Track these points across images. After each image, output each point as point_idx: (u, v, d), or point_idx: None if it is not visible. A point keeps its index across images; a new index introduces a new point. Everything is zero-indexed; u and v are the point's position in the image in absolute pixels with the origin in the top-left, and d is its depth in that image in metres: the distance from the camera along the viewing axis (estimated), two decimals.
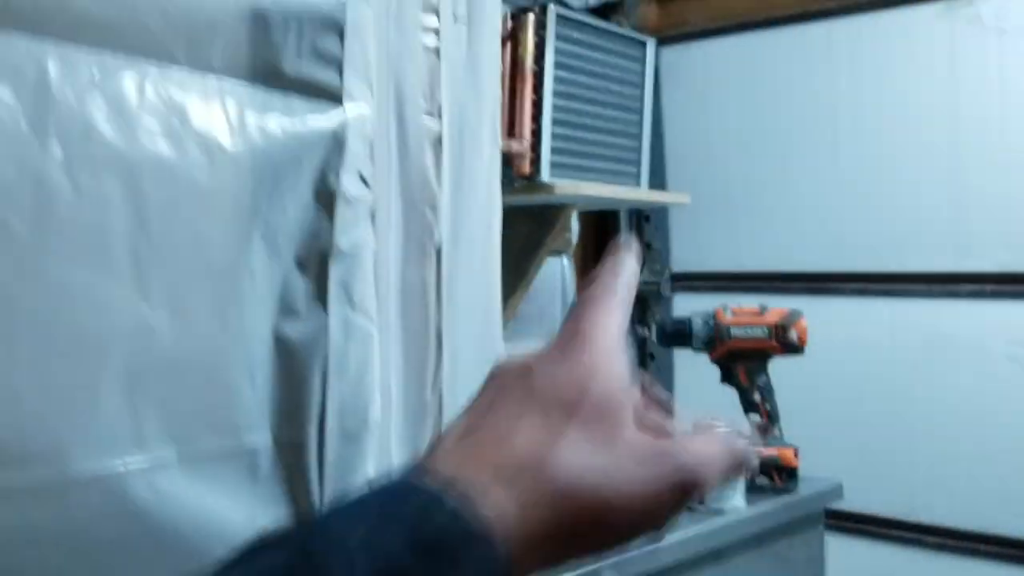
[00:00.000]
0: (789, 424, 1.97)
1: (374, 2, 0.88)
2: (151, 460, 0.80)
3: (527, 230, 2.35)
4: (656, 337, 1.78)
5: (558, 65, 2.05)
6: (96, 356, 0.76)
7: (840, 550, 2.04)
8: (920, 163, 2.37)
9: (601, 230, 2.90)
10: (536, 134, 2.02)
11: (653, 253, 2.80)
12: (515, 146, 1.99)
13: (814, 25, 2.47)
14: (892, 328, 2.43)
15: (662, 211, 2.77)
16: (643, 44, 2.32)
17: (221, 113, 0.80)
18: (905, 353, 2.41)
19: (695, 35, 2.68)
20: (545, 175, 2.03)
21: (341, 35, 0.85)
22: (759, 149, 2.60)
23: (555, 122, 2.06)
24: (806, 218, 2.54)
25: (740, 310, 1.66)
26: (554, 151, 2.06)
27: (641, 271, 2.73)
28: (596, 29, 2.17)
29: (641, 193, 2.32)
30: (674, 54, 2.71)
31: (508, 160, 2.01)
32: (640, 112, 2.32)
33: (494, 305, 1.15)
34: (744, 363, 1.62)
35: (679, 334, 1.72)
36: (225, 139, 0.81)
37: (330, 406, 0.94)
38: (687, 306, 2.76)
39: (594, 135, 2.19)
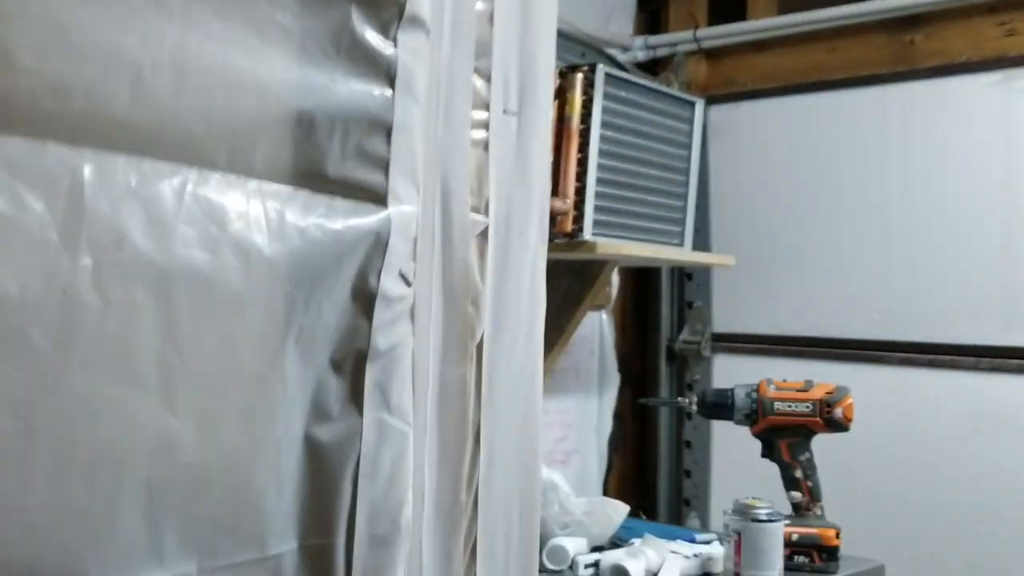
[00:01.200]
0: (829, 499, 1.91)
1: (422, 98, 0.85)
2: None
3: (567, 285, 2.31)
4: (696, 407, 1.73)
5: (604, 124, 2.02)
6: (116, 470, 0.73)
7: None
8: (971, 234, 2.30)
9: (642, 285, 2.85)
10: (580, 192, 1.98)
11: (694, 312, 2.74)
12: (558, 205, 1.95)
13: (866, 90, 2.42)
14: (936, 401, 2.35)
15: (705, 270, 2.71)
16: (692, 104, 2.28)
17: (260, 217, 0.77)
18: (950, 428, 2.33)
19: (744, 95, 2.63)
20: (587, 233, 2.00)
21: (388, 134, 0.82)
22: (806, 213, 2.55)
23: (600, 181, 2.02)
24: (851, 284, 2.47)
25: (784, 384, 1.61)
26: (597, 209, 2.02)
27: (681, 330, 2.68)
28: (644, 88, 2.14)
29: (684, 254, 2.28)
30: (722, 113, 2.67)
31: (552, 218, 1.97)
32: (686, 172, 2.28)
33: (535, 401, 1.11)
34: (786, 438, 1.57)
35: (720, 406, 1.67)
36: (263, 243, 0.78)
37: (360, 509, 0.90)
38: (727, 368, 2.70)
39: (639, 194, 2.15)
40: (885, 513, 2.34)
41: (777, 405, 1.58)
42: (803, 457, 1.58)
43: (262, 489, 0.83)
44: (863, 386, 2.36)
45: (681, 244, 2.30)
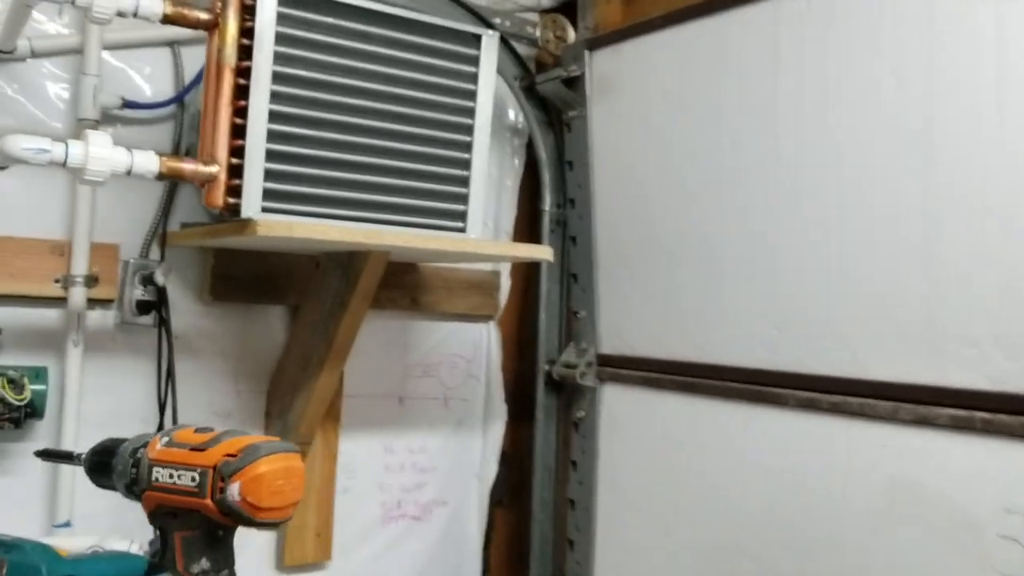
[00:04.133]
0: None
1: None
2: None
3: (335, 283, 1.77)
4: (85, 468, 1.11)
5: (286, 59, 1.48)
6: None
7: None
8: (888, 217, 1.51)
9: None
10: (241, 153, 1.45)
11: (579, 325, 2.08)
12: (200, 170, 1.43)
13: (757, 6, 1.69)
14: (843, 463, 1.57)
15: (587, 270, 2.05)
16: (474, 38, 1.67)
17: None
18: (859, 503, 1.54)
19: (626, 32, 1.96)
20: (251, 208, 1.46)
21: None
22: (688, 191, 1.84)
23: (286, 138, 1.48)
24: (742, 289, 1.74)
25: (184, 436, 0.98)
26: (284, 177, 1.48)
27: (564, 349, 2.02)
28: (364, 11, 1.56)
29: (459, 243, 1.66)
30: (604, 61, 2.00)
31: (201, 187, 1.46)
32: (468, 131, 1.67)
33: None
34: (181, 530, 0.94)
35: (104, 467, 1.06)
36: None
37: None
38: (616, 403, 2.03)
39: (369, 157, 1.58)
40: None
41: (157, 473, 0.95)
42: (197, 569, 0.93)
43: None
44: (755, 436, 1.66)
45: (462, 230, 1.69)
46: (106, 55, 1.77)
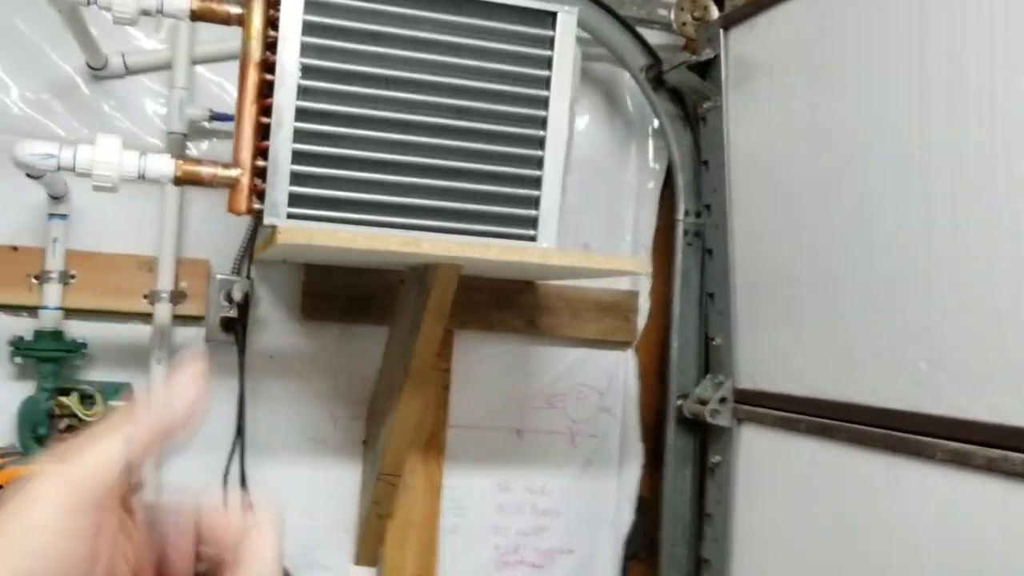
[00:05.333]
0: None
1: None
2: None
3: (413, 298, 1.63)
4: None
5: (314, 51, 1.35)
6: None
7: None
8: None
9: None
10: (263, 154, 1.34)
11: (714, 353, 1.77)
12: (220, 173, 1.34)
13: None
14: (1003, 538, 1.16)
15: (724, 292, 1.73)
16: (548, 16, 1.45)
17: None
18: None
19: (762, 3, 1.63)
20: (277, 214, 1.34)
21: None
22: (832, 196, 1.48)
23: (317, 137, 1.36)
24: (888, 315, 1.36)
25: None
26: (301, 179, 1.35)
27: (700, 382, 1.74)
28: None
29: (527, 252, 1.43)
30: (740, 40, 1.68)
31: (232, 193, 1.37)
32: (541, 124, 1.46)
33: None
34: None
35: None
36: None
37: None
38: (755, 446, 1.69)
39: (415, 156, 1.41)
40: None
41: None
42: None
43: None
44: (901, 491, 1.32)
45: (532, 238, 1.46)
46: (202, 69, 1.74)
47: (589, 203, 1.96)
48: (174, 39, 1.69)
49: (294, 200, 1.35)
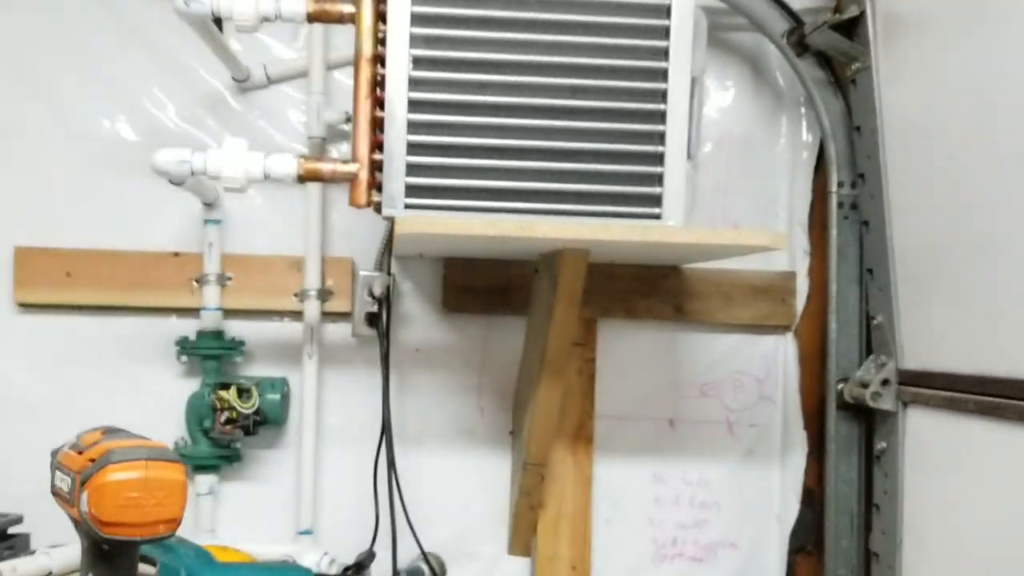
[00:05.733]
0: None
1: None
2: None
3: (545, 285, 1.62)
4: None
5: (424, 41, 1.36)
6: None
7: None
8: None
9: None
10: (380, 147, 1.37)
11: (876, 332, 1.63)
12: (339, 169, 1.37)
13: None
14: None
15: (883, 267, 1.59)
16: None
17: None
18: None
19: None
20: (394, 204, 1.36)
21: None
22: (1008, 148, 1.34)
23: (429, 127, 1.37)
24: None
25: (87, 436, 0.83)
26: (415, 169, 1.37)
27: (859, 367, 1.63)
28: None
29: (652, 231, 1.38)
30: None
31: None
32: (660, 96, 1.41)
33: None
34: (82, 541, 0.79)
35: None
36: None
37: None
38: (922, 432, 1.56)
39: (529, 139, 1.40)
40: None
41: (56, 476, 0.81)
42: None
43: None
44: None
45: (657, 216, 1.40)
46: (340, 75, 1.79)
47: (739, 181, 1.87)
48: (309, 46, 1.75)
49: (411, 191, 1.36)
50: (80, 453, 0.80)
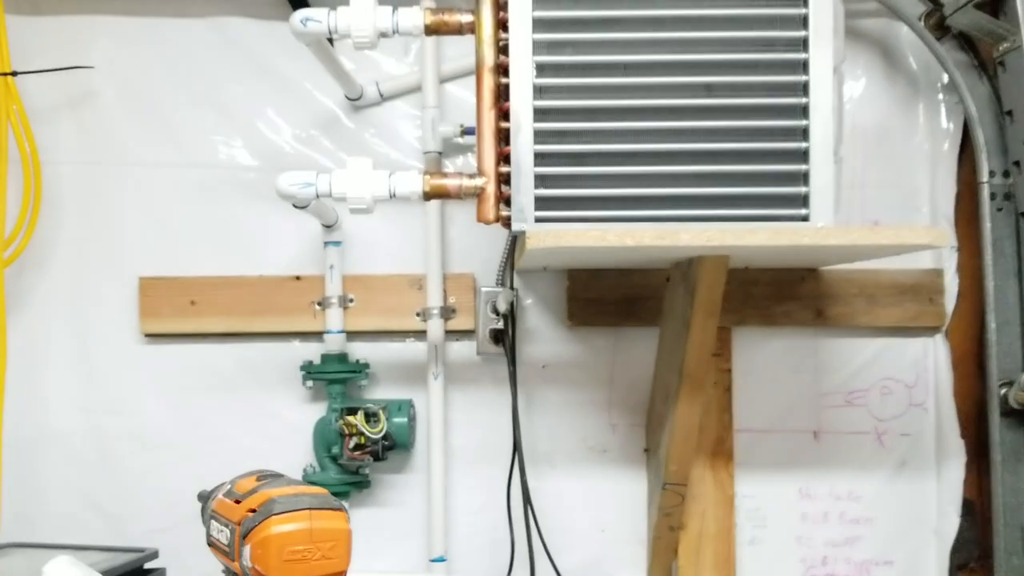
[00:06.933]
0: None
1: None
2: None
3: (681, 294, 1.54)
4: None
5: (547, 47, 1.30)
6: None
7: None
8: None
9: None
10: (507, 159, 1.32)
11: None
12: (465, 184, 1.32)
13: None
14: None
15: None
16: None
17: None
18: None
19: None
20: (524, 219, 1.31)
21: None
22: None
23: (557, 135, 1.31)
24: None
25: (242, 483, 0.78)
26: (544, 180, 1.31)
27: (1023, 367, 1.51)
28: None
29: (801, 234, 1.29)
30: None
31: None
32: (802, 89, 1.32)
33: None
34: None
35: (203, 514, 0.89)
36: None
37: None
38: None
39: (661, 143, 1.32)
40: None
41: (212, 526, 0.76)
42: None
43: None
44: None
45: (804, 218, 1.31)
46: (453, 88, 1.75)
47: (875, 175, 1.76)
48: (422, 60, 1.71)
49: (541, 203, 1.30)
50: (237, 502, 0.76)
